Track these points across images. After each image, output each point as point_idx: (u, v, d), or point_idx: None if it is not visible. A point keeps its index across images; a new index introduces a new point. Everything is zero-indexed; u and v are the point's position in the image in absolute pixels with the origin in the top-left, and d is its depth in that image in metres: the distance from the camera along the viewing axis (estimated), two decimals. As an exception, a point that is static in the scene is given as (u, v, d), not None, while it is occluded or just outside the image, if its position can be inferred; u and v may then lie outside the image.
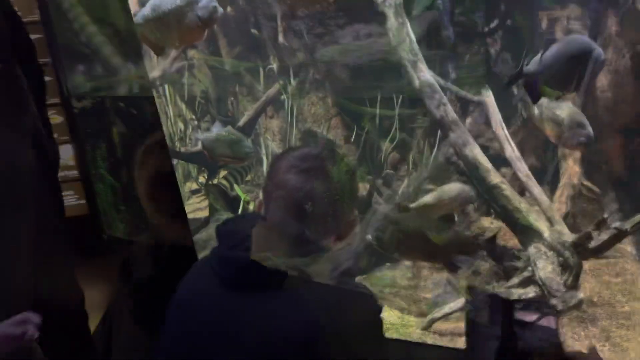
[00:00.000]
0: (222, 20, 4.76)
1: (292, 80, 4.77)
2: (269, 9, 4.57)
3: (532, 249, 2.91)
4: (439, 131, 4.64)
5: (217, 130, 3.14)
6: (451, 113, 2.90)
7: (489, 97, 3.24)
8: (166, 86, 4.62)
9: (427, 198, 2.49)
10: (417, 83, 2.93)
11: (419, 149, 4.45)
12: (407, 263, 3.91)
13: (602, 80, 3.88)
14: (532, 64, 2.22)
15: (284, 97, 4.79)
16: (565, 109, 2.82)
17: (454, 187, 2.46)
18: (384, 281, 3.99)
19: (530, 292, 2.93)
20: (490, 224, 4.01)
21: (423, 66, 2.94)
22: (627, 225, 2.55)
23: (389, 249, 2.09)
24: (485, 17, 4.74)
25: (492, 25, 4.66)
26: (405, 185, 4.39)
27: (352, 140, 4.58)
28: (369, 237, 2.10)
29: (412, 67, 2.94)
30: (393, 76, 3.97)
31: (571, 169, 3.50)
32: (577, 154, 3.52)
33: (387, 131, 4.60)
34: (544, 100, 2.90)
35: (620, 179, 3.86)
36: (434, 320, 2.86)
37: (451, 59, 4.37)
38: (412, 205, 2.48)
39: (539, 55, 2.22)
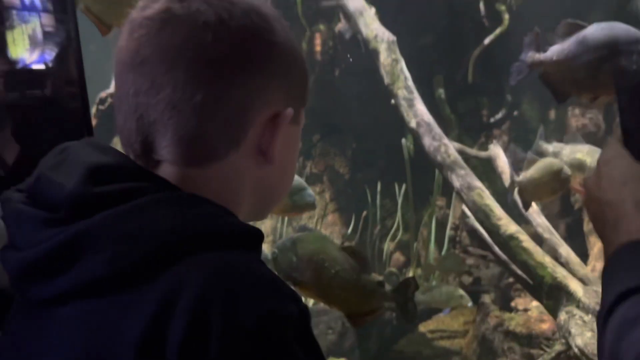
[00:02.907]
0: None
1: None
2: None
3: (563, 315, 2.32)
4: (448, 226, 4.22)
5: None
6: (453, 153, 2.50)
7: (498, 150, 2.86)
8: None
9: (531, 171, 2.11)
10: (413, 123, 2.59)
11: (424, 241, 3.98)
12: None
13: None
14: (553, 51, 1.75)
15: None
16: (585, 149, 2.43)
17: (555, 162, 2.11)
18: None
19: (568, 369, 2.30)
20: (510, 318, 3.42)
21: (420, 106, 2.61)
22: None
23: (282, 271, 1.70)
24: (490, 107, 4.54)
25: (498, 116, 4.43)
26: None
27: (355, 240, 4.14)
28: (268, 254, 1.74)
29: (408, 106, 2.61)
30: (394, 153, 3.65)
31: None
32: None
33: (388, 228, 4.18)
34: (559, 146, 2.53)
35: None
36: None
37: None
38: (519, 178, 2.11)
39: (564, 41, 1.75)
